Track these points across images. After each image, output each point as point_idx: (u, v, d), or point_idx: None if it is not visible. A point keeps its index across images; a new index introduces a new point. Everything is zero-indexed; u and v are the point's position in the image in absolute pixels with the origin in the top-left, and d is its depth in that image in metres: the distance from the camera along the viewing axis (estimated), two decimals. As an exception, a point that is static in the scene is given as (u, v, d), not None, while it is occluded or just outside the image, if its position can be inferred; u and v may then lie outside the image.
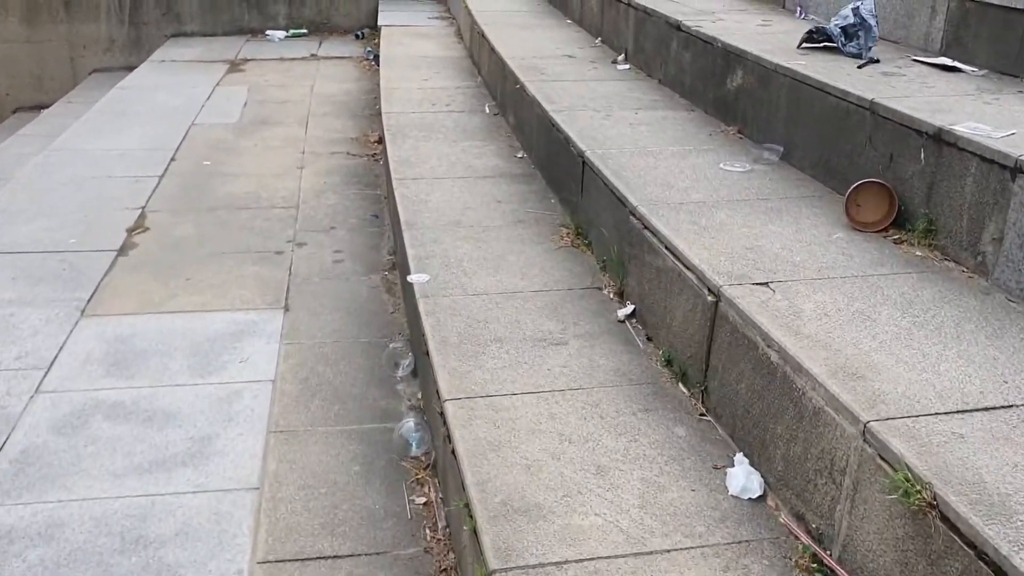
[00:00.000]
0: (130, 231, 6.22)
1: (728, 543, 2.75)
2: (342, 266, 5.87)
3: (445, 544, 3.41)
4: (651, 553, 2.69)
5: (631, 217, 4.21)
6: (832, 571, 2.61)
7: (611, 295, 4.39)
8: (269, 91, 10.06)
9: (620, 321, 4.14)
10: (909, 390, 2.67)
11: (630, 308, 4.16)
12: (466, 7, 10.17)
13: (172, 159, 7.70)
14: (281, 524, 3.53)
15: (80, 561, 3.32)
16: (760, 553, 2.72)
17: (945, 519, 2.20)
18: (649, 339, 3.96)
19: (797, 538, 2.77)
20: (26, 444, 3.95)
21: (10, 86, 12.18)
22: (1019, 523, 2.11)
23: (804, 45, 5.27)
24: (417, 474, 3.83)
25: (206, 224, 6.40)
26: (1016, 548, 2.03)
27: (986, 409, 2.58)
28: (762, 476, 2.99)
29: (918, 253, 3.67)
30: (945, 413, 2.56)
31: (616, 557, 2.67)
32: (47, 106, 11.34)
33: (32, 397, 4.28)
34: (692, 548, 2.72)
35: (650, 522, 2.82)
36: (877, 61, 4.89)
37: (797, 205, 4.21)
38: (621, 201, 4.37)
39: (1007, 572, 2.02)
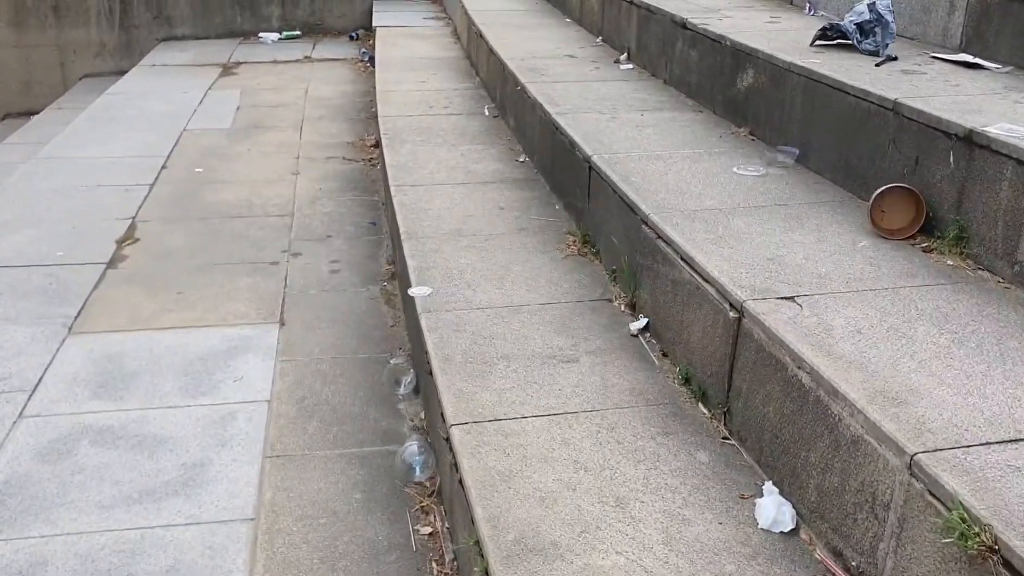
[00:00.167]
0: (120, 242, 6.01)
1: (761, 583, 2.55)
2: (339, 277, 5.66)
3: (453, 579, 3.21)
4: (679, 596, 2.49)
5: (643, 226, 4.00)
6: (876, 615, 2.41)
7: (622, 307, 4.19)
8: (262, 95, 9.84)
9: (633, 335, 3.93)
10: (956, 417, 2.47)
11: (643, 321, 3.96)
12: (462, 7, 9.95)
13: (163, 166, 7.49)
14: (278, 558, 3.32)
15: (64, 603, 3.11)
16: (796, 594, 2.52)
17: (1008, 565, 2.00)
18: (664, 355, 3.75)
19: (835, 576, 2.57)
20: (8, 474, 3.74)
21: (-2, 92, 11.98)
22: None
23: (817, 43, 5.06)
24: (421, 501, 3.62)
25: (198, 234, 6.19)
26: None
27: (1041, 437, 2.38)
28: (794, 507, 2.79)
29: (949, 262, 3.47)
30: (998, 443, 2.36)
31: (641, 601, 2.47)
32: (37, 112, 11.12)
33: (15, 422, 4.07)
34: (722, 589, 2.52)
35: (676, 560, 2.62)
36: (895, 59, 4.68)
37: (817, 211, 4.01)
38: (631, 208, 4.16)
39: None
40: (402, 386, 4.41)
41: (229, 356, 4.66)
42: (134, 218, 6.41)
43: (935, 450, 2.32)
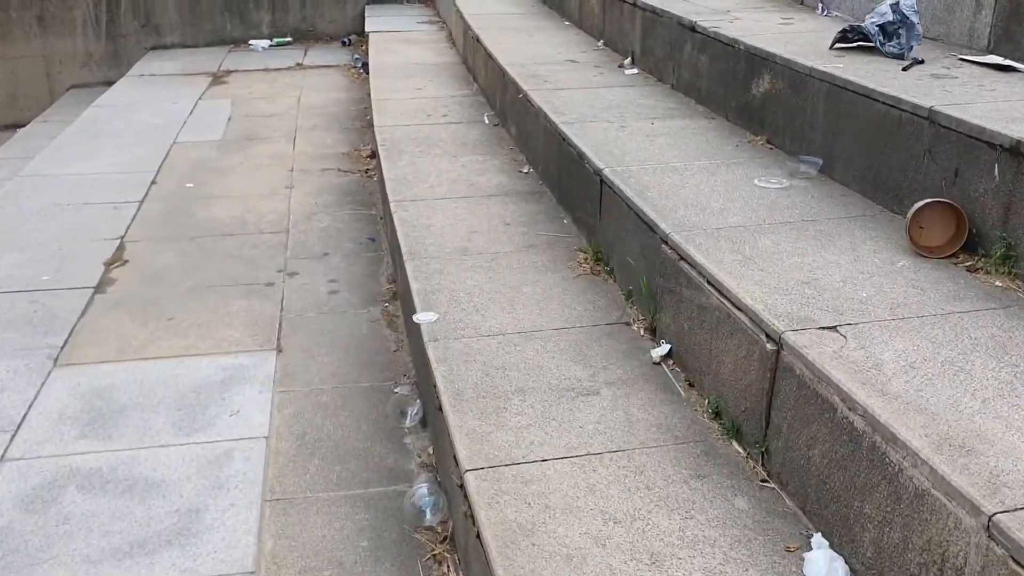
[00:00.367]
0: (108, 265, 5.75)
1: (817, 653, 2.30)
2: (338, 298, 5.41)
3: (472, 639, 2.95)
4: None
5: (663, 245, 3.75)
6: None
7: (641, 331, 3.94)
8: (254, 104, 9.58)
9: (655, 363, 3.68)
10: (1033, 467, 2.22)
11: (665, 348, 3.71)
12: (457, 11, 9.70)
13: (153, 182, 7.23)
14: (281, 618, 3.07)
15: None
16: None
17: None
18: (691, 385, 3.50)
19: (899, 644, 2.32)
20: (-12, 526, 3.48)
21: (-17, 105, 11.70)
22: None
23: (837, 45, 4.81)
24: (433, 549, 3.37)
25: (190, 254, 5.93)
26: None
27: None
28: (847, 563, 2.54)
29: (998, 283, 3.22)
30: (1085, 499, 2.11)
31: None
32: (23, 125, 10.84)
33: (-4, 467, 3.82)
34: (776, 662, 2.27)
35: (722, 628, 2.37)
36: (922, 62, 4.44)
37: (849, 227, 3.76)
38: (649, 227, 3.91)
39: None
40: (408, 418, 4.16)
41: (224, 387, 4.40)
42: (123, 238, 6.15)
43: (1016, 509, 2.07)
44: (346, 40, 12.45)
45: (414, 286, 4.38)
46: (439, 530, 3.46)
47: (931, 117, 3.65)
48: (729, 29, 5.48)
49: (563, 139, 5.20)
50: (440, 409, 3.46)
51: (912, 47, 4.54)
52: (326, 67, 11.29)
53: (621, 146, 4.89)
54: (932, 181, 3.65)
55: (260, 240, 6.16)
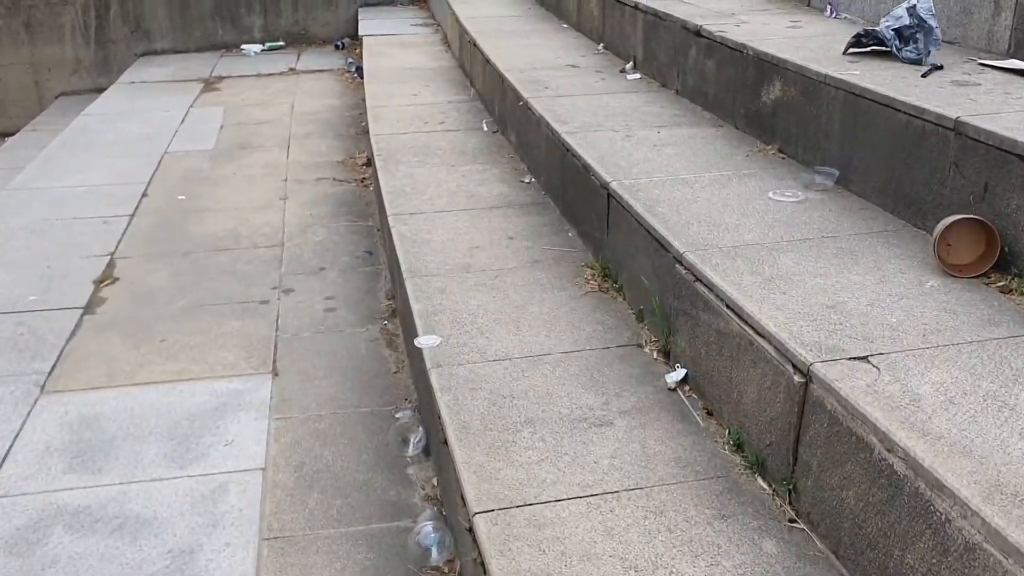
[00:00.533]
0: (98, 283, 5.57)
1: None
2: (335, 316, 5.23)
3: None
4: None
5: (677, 265, 3.58)
6: None
7: (654, 354, 3.76)
8: (247, 111, 9.40)
9: (671, 389, 3.51)
10: (1094, 519, 2.05)
11: (681, 373, 3.54)
12: (453, 14, 9.51)
13: (144, 194, 7.04)
14: (281, 671, 2.89)
15: None
16: None
17: None
18: (709, 414, 3.33)
19: None
20: (-30, 571, 3.30)
21: (-30, 114, 11.50)
22: None
23: (851, 50, 4.64)
24: (441, 591, 3.19)
25: (182, 271, 5.75)
26: None
27: None
28: (888, 615, 2.37)
29: (1034, 305, 3.05)
30: None
31: None
32: (12, 134, 10.65)
33: (-21, 506, 3.63)
34: None
35: None
36: (941, 67, 4.27)
37: (871, 244, 3.59)
38: (662, 244, 3.74)
39: None
40: (410, 446, 3.99)
41: (218, 415, 4.22)
42: (113, 254, 5.97)
43: (1081, 569, 1.90)
44: (339, 44, 12.26)
45: (415, 307, 4.20)
46: (445, 570, 3.28)
47: (957, 128, 3.48)
48: (736, 33, 5.30)
49: (567, 149, 5.02)
50: (445, 443, 3.28)
51: (930, 52, 4.37)
52: (320, 71, 11.11)
53: (627, 157, 4.71)
54: (959, 195, 3.47)
55: (254, 255, 5.98)
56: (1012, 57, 4.40)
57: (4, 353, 4.73)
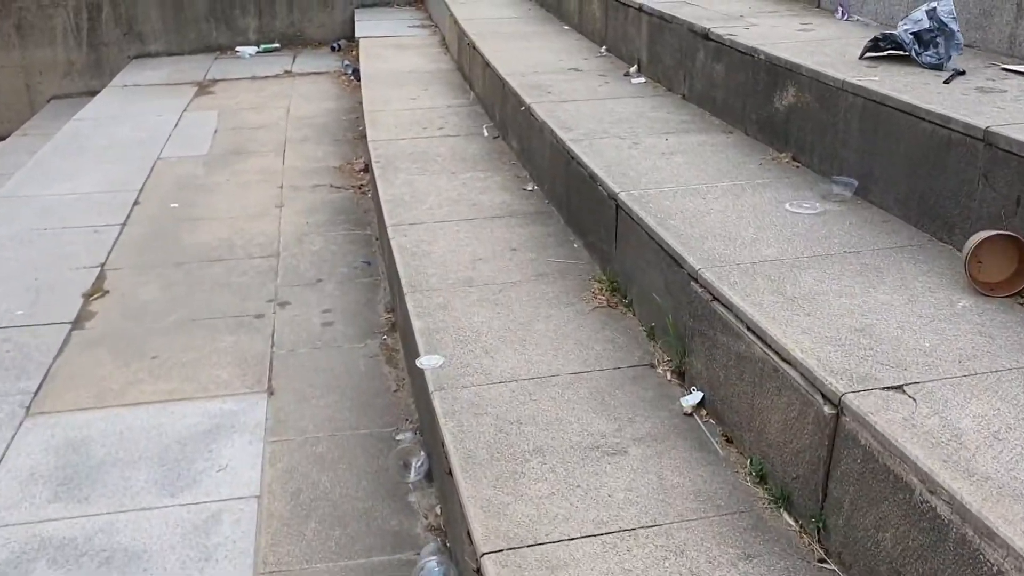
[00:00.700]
0: (87, 296, 5.39)
1: None
2: (333, 330, 5.05)
3: None
4: None
5: (692, 283, 3.41)
6: None
7: (668, 375, 3.59)
8: (242, 115, 9.21)
9: (687, 414, 3.33)
10: None
11: (697, 396, 3.36)
12: (451, 16, 9.33)
13: (136, 202, 6.86)
14: None
15: None
16: None
17: None
18: (729, 441, 3.16)
19: None
20: (-52, 611, 3.12)
21: (-39, 119, 11.30)
22: None
23: (868, 55, 4.46)
24: (446, 631, 3.01)
25: (174, 283, 5.57)
26: None
27: None
28: (931, 671, 2.19)
29: (1074, 328, 2.88)
30: None
31: None
32: (2, 138, 10.47)
33: (-41, 539, 3.45)
34: None
35: None
36: (963, 73, 4.10)
37: (896, 259, 3.41)
38: (675, 260, 3.56)
39: None
40: (412, 471, 3.82)
41: (211, 438, 4.05)
42: (103, 265, 5.79)
43: None
44: (335, 45, 12.08)
45: (416, 324, 4.02)
46: (451, 608, 3.10)
47: (987, 139, 3.31)
48: (746, 37, 5.13)
49: (572, 157, 4.84)
50: (450, 473, 3.10)
51: (951, 57, 4.21)
52: (315, 74, 10.92)
53: (636, 166, 4.54)
54: (988, 209, 3.30)
55: (249, 266, 5.80)
56: (1036, 61, 4.23)
57: (-12, 372, 4.55)
